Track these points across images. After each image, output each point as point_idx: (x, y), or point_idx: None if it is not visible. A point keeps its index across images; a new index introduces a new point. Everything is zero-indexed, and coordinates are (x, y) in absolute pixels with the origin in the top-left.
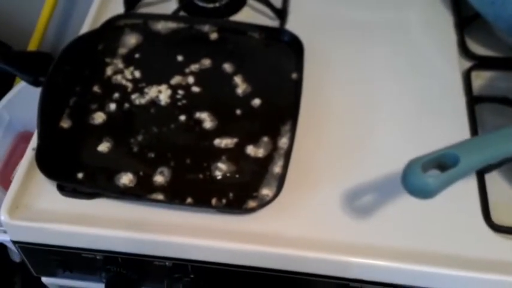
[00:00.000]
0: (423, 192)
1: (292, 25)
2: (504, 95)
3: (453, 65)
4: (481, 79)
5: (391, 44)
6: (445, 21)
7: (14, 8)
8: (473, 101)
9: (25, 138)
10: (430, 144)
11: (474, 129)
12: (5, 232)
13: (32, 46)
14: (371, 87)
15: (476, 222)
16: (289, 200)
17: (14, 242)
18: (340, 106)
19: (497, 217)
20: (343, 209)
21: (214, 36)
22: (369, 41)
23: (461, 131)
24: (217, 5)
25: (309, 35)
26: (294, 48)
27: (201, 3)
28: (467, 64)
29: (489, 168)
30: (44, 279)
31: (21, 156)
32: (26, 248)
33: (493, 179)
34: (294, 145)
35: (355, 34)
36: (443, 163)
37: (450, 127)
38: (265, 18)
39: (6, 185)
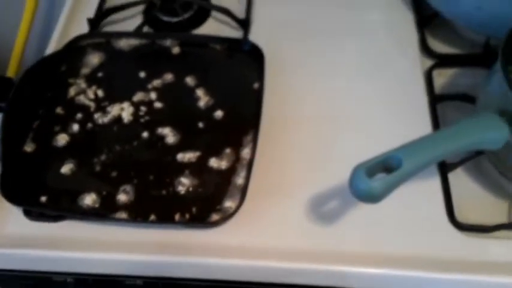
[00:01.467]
0: (369, 197)
1: (256, 35)
2: (465, 91)
3: (415, 64)
4: (443, 77)
5: (353, 48)
6: (406, 20)
7: None
8: (436, 99)
9: None
10: (392, 145)
11: (437, 129)
12: None
13: (13, 62)
14: (333, 91)
15: (440, 221)
16: (253, 210)
17: None
18: (302, 113)
19: (461, 215)
20: (307, 217)
21: (176, 50)
22: (331, 45)
23: (424, 131)
24: (180, 18)
25: (272, 44)
26: (255, 57)
27: (165, 18)
28: (429, 62)
29: (452, 166)
30: None
31: None
32: None
33: (456, 177)
34: (257, 155)
35: (318, 39)
36: (388, 166)
37: (413, 127)
38: (230, 29)
39: None
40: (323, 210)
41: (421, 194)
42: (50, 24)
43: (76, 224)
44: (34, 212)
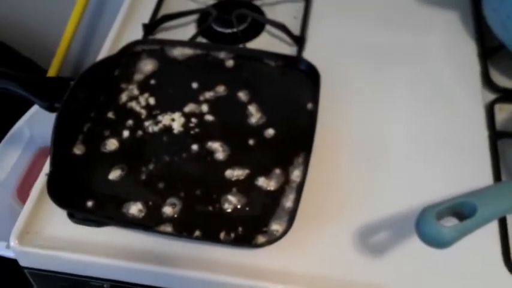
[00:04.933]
0: (438, 243)
1: (311, 52)
2: None
3: (475, 97)
4: (505, 112)
5: (411, 73)
6: (468, 50)
7: (39, 24)
8: (496, 136)
9: (46, 153)
10: (449, 181)
11: (496, 167)
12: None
13: (56, 62)
14: (388, 118)
15: (496, 266)
16: (300, 235)
17: (24, 268)
18: (356, 138)
19: None
20: (356, 247)
21: (230, 63)
22: (388, 69)
23: (483, 168)
24: (234, 30)
25: (327, 63)
26: (311, 77)
27: (219, 29)
28: (491, 96)
29: None
30: None
31: (41, 171)
32: (35, 273)
33: None
34: (307, 178)
35: (374, 61)
36: (459, 212)
37: (470, 163)
38: (283, 44)
39: (24, 199)
40: (372, 241)
41: (477, 236)
42: (97, 23)
43: (119, 231)
44: (78, 216)
